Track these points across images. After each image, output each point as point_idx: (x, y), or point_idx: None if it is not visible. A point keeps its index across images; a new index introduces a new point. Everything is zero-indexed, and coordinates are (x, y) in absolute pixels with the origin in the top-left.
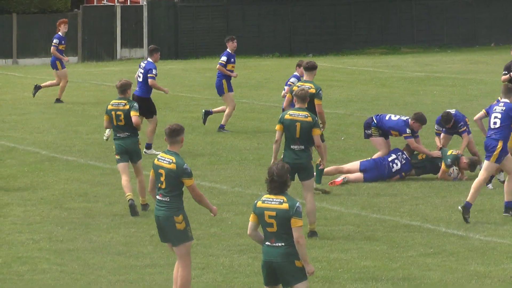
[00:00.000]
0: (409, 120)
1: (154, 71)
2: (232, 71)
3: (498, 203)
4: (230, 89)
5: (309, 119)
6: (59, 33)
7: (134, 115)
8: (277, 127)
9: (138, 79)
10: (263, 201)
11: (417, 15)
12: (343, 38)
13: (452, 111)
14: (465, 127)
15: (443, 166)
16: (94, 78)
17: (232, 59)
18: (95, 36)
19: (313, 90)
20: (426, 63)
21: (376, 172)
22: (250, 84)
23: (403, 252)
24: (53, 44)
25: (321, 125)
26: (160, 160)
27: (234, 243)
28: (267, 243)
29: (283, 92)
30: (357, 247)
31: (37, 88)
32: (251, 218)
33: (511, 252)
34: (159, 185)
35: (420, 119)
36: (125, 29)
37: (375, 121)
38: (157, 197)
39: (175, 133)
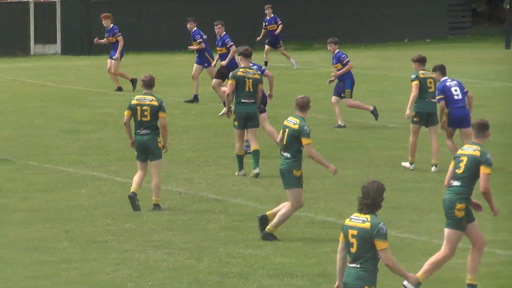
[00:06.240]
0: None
1: None
2: None
3: (413, 199)
4: None
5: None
6: None
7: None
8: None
9: None
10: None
11: (328, 12)
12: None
13: None
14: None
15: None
16: (8, 73)
17: None
18: (8, 32)
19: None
20: None
21: None
22: (160, 79)
23: (318, 248)
24: None
25: None
26: None
27: (149, 238)
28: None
29: None
30: (272, 243)
31: None
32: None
33: (427, 249)
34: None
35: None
36: (38, 25)
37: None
38: None
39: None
